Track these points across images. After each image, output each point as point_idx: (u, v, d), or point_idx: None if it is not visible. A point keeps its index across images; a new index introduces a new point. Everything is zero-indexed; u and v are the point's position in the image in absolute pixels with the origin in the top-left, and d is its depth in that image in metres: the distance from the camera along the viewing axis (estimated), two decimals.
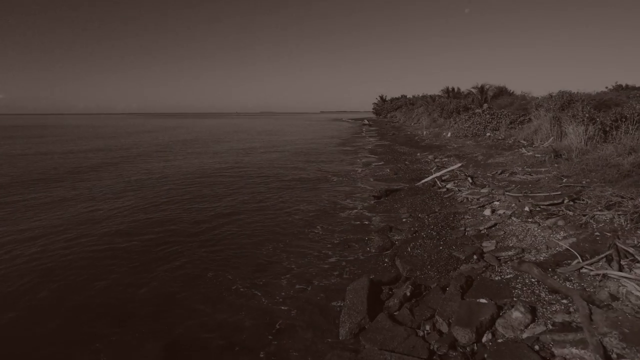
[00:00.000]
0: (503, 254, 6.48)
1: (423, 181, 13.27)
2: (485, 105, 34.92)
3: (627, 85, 49.63)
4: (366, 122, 71.09)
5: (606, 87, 51.17)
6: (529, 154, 15.62)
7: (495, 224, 8.03)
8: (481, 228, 8.00)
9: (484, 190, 10.89)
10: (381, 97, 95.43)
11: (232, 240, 8.80)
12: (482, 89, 35.17)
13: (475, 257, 6.69)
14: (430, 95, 50.24)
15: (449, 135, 29.15)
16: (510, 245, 6.87)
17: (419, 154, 21.84)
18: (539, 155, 14.24)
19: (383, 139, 36.05)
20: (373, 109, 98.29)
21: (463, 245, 7.33)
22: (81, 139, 41.40)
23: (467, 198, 10.59)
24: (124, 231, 9.39)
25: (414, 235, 8.38)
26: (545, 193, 9.29)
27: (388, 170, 17.70)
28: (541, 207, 8.41)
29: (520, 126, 26.33)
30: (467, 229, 8.22)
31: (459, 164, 13.17)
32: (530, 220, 7.83)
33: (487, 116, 27.86)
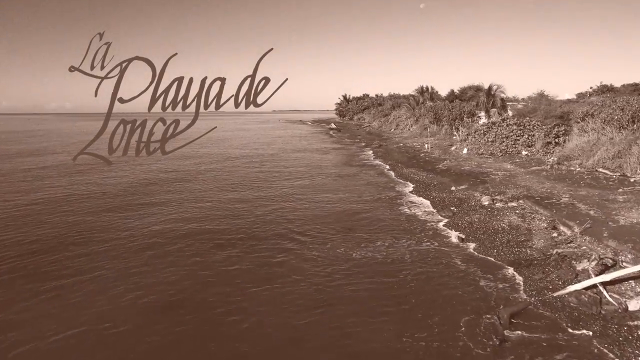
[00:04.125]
0: None
1: (568, 290, 7.04)
2: (494, 111, 30.14)
3: (612, 86, 48.14)
4: (333, 125, 65.02)
5: (590, 88, 49.65)
6: None
7: None
8: None
9: None
10: (344, 97, 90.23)
11: None
12: (489, 91, 30.27)
13: None
14: (413, 96, 45.16)
15: (465, 151, 23.68)
16: None
17: (454, 188, 15.82)
18: None
19: (374, 153, 29.92)
20: (336, 109, 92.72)
21: None
22: None
23: None
24: None
25: None
26: None
27: (443, 224, 11.42)
28: None
29: (556, 140, 21.45)
30: None
31: None
32: None
33: (514, 127, 22.71)
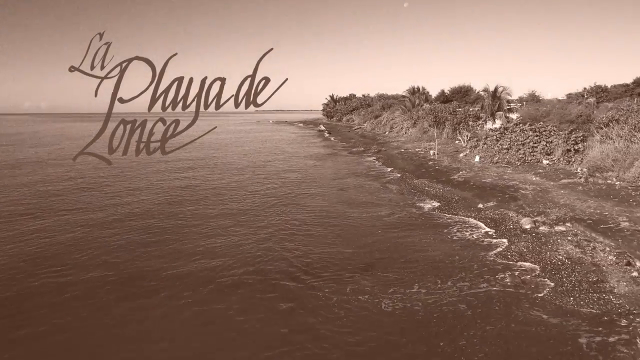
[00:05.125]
0: None
1: None
2: (500, 114, 28.81)
3: (605, 87, 47.57)
4: (322, 127, 63.26)
5: (584, 88, 49.11)
6: None
7: None
8: None
9: None
10: (332, 97, 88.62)
11: None
12: (495, 93, 28.90)
13: None
14: (408, 98, 43.68)
15: (477, 159, 22.13)
16: None
17: (481, 205, 14.20)
18: None
19: (376, 160, 28.13)
20: (323, 110, 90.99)
21: None
22: None
23: None
24: None
25: None
26: None
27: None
28: None
29: (575, 148, 20.08)
30: None
31: None
32: None
33: (530, 133, 21.29)
